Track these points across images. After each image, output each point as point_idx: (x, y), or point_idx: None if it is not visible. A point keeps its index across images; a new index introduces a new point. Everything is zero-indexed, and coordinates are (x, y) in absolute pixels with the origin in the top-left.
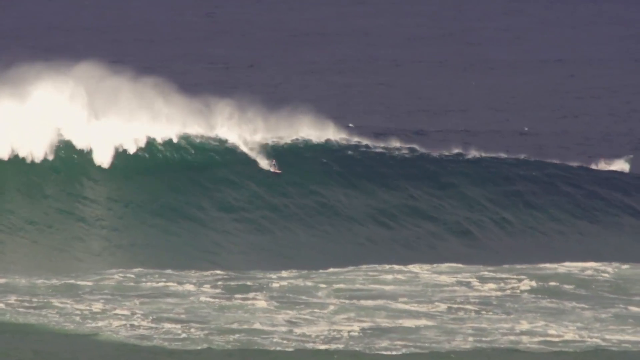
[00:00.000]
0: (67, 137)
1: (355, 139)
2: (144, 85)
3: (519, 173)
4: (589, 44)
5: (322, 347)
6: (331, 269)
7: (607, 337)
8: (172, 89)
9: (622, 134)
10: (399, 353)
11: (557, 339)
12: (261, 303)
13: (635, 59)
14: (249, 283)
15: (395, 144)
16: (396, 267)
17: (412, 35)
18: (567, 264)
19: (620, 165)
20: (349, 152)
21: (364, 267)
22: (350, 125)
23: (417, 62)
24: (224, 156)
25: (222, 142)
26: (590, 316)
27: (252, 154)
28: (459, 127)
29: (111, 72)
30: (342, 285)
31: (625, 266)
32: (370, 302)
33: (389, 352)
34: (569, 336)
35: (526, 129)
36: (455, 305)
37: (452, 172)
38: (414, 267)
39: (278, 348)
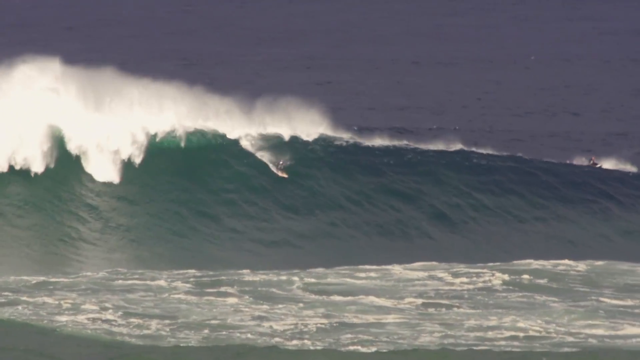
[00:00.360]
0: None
1: (331, 134)
2: (132, 81)
3: (498, 170)
4: (563, 41)
5: (289, 342)
6: (307, 266)
7: (573, 331)
8: (165, 84)
9: (602, 132)
10: (364, 349)
11: (522, 334)
12: (233, 299)
13: (613, 57)
14: (223, 278)
15: (379, 140)
16: (370, 265)
17: (383, 33)
18: (541, 261)
19: (604, 163)
20: (328, 147)
21: (337, 262)
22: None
23: (390, 60)
24: (209, 155)
25: (209, 140)
26: (560, 309)
27: (259, 154)
28: (433, 124)
29: (94, 68)
30: (312, 280)
31: (599, 262)
32: (340, 298)
33: (354, 347)
34: (535, 330)
35: (507, 127)
36: (426, 301)
37: (432, 168)
38: (388, 264)
39: (245, 343)
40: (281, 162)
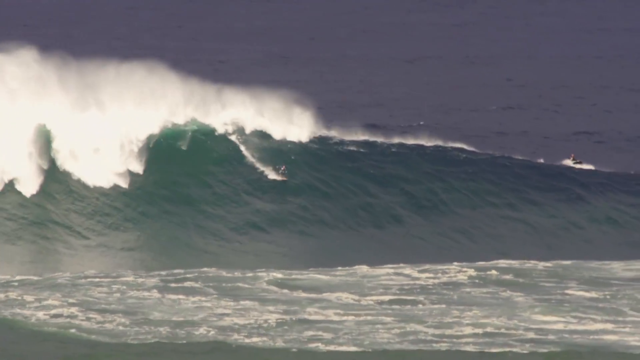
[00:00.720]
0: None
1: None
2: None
3: (468, 170)
4: (531, 38)
5: (249, 338)
6: (275, 264)
7: (533, 326)
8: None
9: (574, 129)
10: (323, 346)
11: (480, 331)
12: (198, 296)
13: (585, 54)
14: (188, 275)
15: (353, 136)
16: (338, 262)
17: (351, 30)
18: (509, 260)
19: (581, 162)
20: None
21: (306, 260)
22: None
23: (355, 57)
24: (181, 152)
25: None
26: (524, 304)
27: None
28: (402, 121)
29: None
30: (279, 276)
31: (567, 261)
32: (304, 294)
33: (313, 345)
34: (495, 326)
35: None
36: (390, 297)
37: (400, 166)
38: (357, 262)
39: (200, 340)
40: (282, 168)
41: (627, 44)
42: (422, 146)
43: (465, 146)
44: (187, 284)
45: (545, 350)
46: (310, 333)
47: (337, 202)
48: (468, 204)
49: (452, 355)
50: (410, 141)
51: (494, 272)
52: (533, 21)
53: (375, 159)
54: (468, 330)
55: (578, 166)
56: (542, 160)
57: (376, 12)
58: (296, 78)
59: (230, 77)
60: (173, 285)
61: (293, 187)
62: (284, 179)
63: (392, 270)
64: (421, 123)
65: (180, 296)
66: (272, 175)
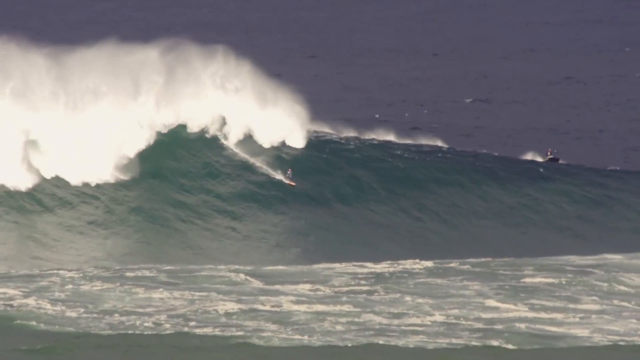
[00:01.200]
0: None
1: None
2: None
3: (437, 165)
4: (486, 31)
5: (192, 328)
6: (239, 260)
7: (483, 316)
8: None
9: (536, 123)
10: (260, 336)
11: (428, 321)
12: (148, 290)
13: (538, 47)
14: (146, 269)
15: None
16: (302, 260)
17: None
18: (470, 259)
19: (533, 154)
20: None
21: (271, 256)
22: None
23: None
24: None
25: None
26: (477, 291)
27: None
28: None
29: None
30: (238, 267)
31: (526, 257)
32: (257, 285)
33: (258, 334)
34: (443, 315)
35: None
36: (344, 288)
37: (372, 166)
38: (320, 259)
39: (145, 332)
40: (289, 172)
41: (595, 36)
42: (389, 142)
43: (425, 141)
44: (145, 275)
45: (496, 343)
46: (259, 323)
47: (304, 198)
48: (434, 199)
49: (394, 349)
50: (367, 136)
51: (452, 264)
52: (495, 12)
53: (342, 154)
54: (419, 320)
55: (553, 161)
56: (511, 155)
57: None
58: None
59: None
60: (129, 275)
61: (256, 182)
62: (292, 183)
63: (352, 264)
64: (376, 116)
65: (138, 288)
66: (289, 182)
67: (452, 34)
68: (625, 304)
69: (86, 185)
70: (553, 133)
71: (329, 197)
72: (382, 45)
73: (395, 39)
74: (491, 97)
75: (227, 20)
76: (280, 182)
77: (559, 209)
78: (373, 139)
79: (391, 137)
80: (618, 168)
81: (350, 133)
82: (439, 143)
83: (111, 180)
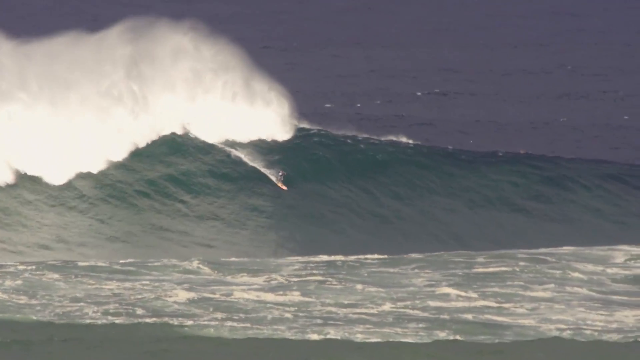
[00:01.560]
0: None
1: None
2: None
3: (406, 159)
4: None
5: (141, 318)
6: (199, 253)
7: (432, 304)
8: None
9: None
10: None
11: (375, 310)
12: (100, 280)
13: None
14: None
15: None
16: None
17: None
18: (427, 253)
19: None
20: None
21: (236, 250)
22: None
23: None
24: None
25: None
26: (428, 279)
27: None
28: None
29: None
30: (193, 258)
31: (491, 251)
32: (209, 275)
33: (207, 323)
34: (392, 305)
35: (404, 114)
36: (295, 279)
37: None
38: (288, 253)
39: (91, 321)
40: (280, 174)
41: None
42: (344, 134)
43: (390, 134)
44: (98, 265)
45: (442, 334)
46: (209, 312)
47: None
48: (389, 192)
49: (343, 340)
50: (316, 126)
51: (407, 255)
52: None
53: (293, 146)
54: (368, 309)
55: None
56: (465, 148)
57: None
58: None
59: None
60: (83, 265)
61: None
62: (283, 187)
63: (307, 256)
64: (327, 105)
65: (89, 280)
66: (280, 185)
67: (403, 25)
68: (578, 289)
69: (39, 174)
70: (508, 125)
71: (283, 190)
72: (329, 36)
73: (345, 30)
74: (446, 90)
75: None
76: (247, 173)
77: (512, 200)
78: (321, 130)
79: (345, 129)
80: (573, 157)
81: (303, 124)
82: (394, 135)
83: (73, 171)
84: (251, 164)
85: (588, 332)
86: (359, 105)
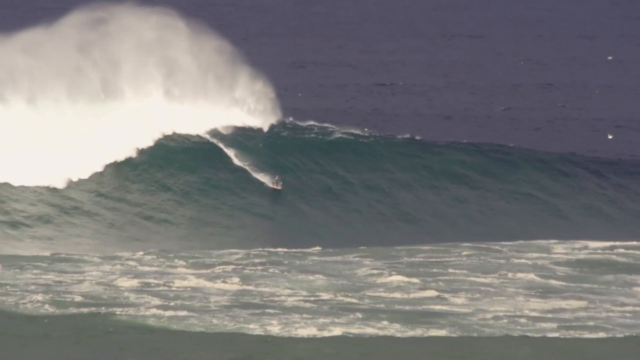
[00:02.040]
0: None
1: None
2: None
3: (381, 153)
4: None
5: (79, 307)
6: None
7: (370, 294)
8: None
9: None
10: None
11: (330, 296)
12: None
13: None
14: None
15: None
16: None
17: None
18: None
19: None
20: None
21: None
22: None
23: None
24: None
25: None
26: (370, 268)
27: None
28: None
29: None
30: (141, 250)
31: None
32: (154, 265)
33: (144, 312)
34: (330, 294)
35: (376, 108)
36: (236, 267)
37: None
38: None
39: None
40: (276, 177)
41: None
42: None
43: (355, 130)
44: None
45: (379, 325)
46: (148, 300)
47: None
48: (337, 185)
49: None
50: (272, 120)
51: (363, 247)
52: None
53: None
54: (305, 298)
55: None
56: (428, 139)
57: None
58: None
59: None
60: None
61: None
62: (278, 187)
63: (251, 250)
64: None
65: (51, 274)
66: (275, 186)
67: (354, 17)
68: (520, 274)
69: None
70: (467, 117)
71: (234, 186)
72: (275, 28)
73: (295, 21)
74: (395, 82)
75: None
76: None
77: (461, 196)
78: (272, 124)
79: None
80: (536, 149)
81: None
82: (343, 126)
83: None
84: (239, 164)
85: (523, 320)
86: (299, 94)
